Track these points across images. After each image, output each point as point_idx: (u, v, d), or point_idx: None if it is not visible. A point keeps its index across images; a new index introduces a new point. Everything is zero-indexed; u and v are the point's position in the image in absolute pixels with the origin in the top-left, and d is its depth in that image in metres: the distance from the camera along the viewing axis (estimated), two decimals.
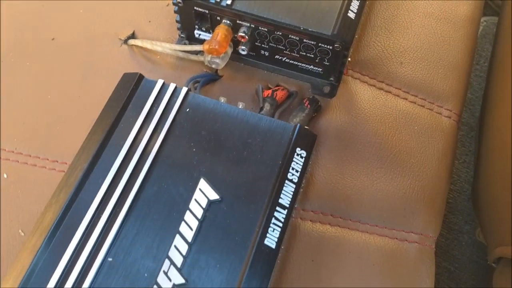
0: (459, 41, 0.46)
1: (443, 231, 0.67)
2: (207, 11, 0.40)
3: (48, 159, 0.39)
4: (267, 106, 0.41)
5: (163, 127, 0.37)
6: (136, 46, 0.44)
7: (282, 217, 0.34)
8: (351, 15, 0.40)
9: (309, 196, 0.39)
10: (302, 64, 0.42)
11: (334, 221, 0.39)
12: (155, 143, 0.36)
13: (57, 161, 0.39)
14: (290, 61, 0.42)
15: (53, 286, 0.31)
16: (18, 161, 0.39)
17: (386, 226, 0.39)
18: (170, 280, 0.32)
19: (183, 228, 0.34)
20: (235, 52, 0.42)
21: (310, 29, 0.38)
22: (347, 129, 0.42)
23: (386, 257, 0.37)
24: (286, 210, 0.35)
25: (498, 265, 0.46)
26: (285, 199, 0.35)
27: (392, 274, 0.37)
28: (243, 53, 0.41)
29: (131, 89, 0.38)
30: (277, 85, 0.43)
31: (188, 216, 0.34)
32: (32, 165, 0.39)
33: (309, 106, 0.41)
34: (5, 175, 0.39)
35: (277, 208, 0.34)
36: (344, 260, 0.37)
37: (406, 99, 0.44)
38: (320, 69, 0.42)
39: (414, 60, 0.45)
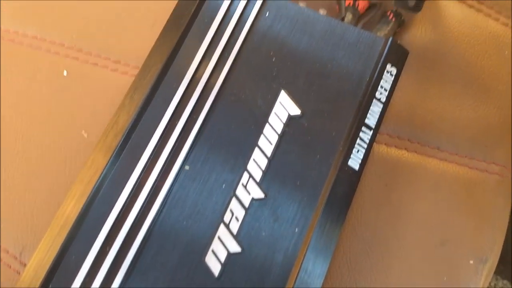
0: None
1: None
2: None
3: (110, 59, 0.37)
4: (348, 16, 0.37)
5: (240, 31, 0.34)
6: None
7: (367, 138, 0.32)
8: None
9: (385, 119, 0.37)
10: None
11: (411, 147, 0.37)
12: (232, 48, 0.33)
13: (120, 62, 0.37)
14: None
15: (129, 191, 0.29)
16: (78, 59, 0.37)
17: (466, 155, 0.36)
18: (249, 193, 0.30)
19: (262, 142, 0.31)
20: None
21: None
22: (432, 48, 0.38)
23: (464, 187, 0.36)
24: (372, 131, 0.32)
25: None
26: (371, 120, 0.32)
27: (468, 205, 0.35)
28: None
29: None
30: None
31: (267, 130, 0.32)
32: (93, 64, 0.37)
33: (393, 19, 0.38)
34: (65, 72, 0.36)
35: (363, 129, 0.32)
36: (420, 187, 0.36)
37: (498, 20, 0.39)
38: None
39: None
